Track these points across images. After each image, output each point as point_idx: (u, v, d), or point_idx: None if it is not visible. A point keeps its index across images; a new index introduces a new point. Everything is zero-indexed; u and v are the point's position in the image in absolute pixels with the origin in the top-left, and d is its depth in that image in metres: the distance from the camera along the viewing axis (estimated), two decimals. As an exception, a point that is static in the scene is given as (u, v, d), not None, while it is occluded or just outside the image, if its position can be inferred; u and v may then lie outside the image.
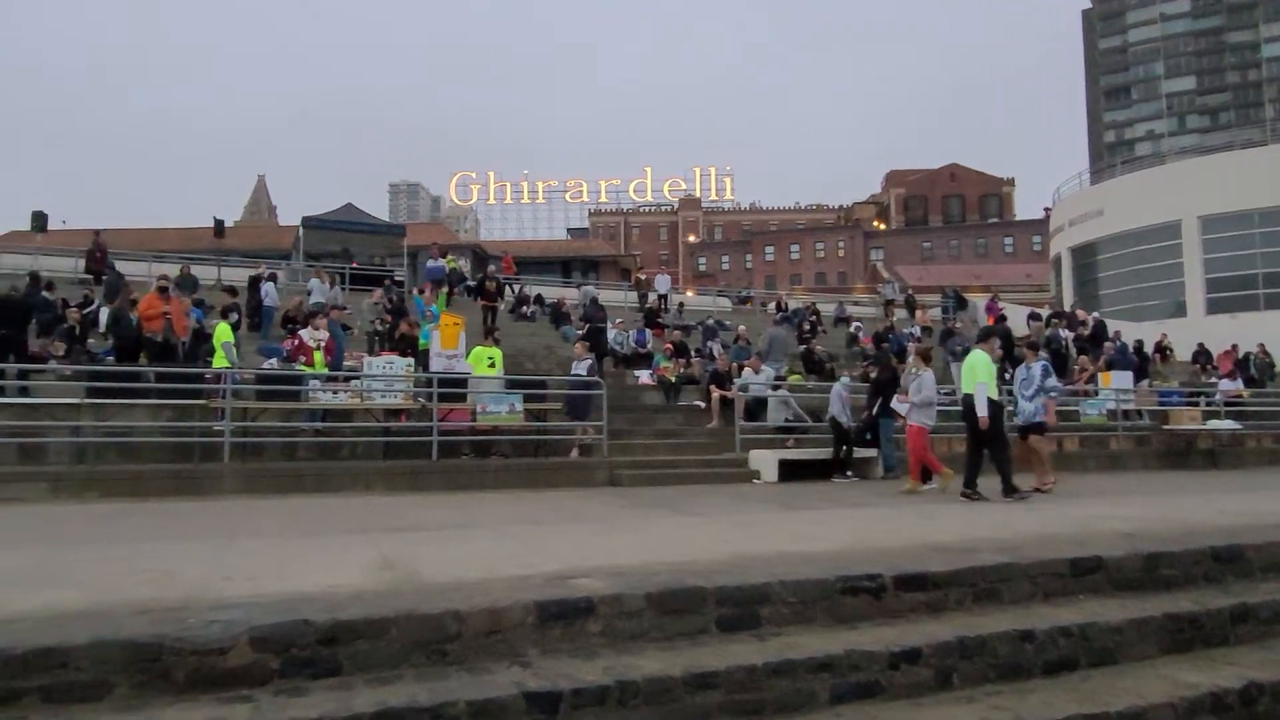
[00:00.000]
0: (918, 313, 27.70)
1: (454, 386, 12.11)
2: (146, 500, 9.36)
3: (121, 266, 21.97)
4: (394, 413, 12.11)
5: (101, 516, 7.95)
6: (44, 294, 15.28)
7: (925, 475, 10.87)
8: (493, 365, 12.77)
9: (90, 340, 14.25)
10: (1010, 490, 9.30)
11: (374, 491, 10.55)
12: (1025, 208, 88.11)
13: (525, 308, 24.40)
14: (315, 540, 6.28)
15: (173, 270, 21.34)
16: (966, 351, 17.72)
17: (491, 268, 19.85)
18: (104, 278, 18.51)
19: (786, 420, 13.71)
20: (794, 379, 15.82)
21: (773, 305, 30.20)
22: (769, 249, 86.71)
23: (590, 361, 13.96)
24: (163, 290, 12.70)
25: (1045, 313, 23.73)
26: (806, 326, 22.72)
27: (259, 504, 9.13)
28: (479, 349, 13.07)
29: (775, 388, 14.27)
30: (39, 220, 24.58)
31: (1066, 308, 27.81)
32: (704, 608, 4.05)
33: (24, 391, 11.57)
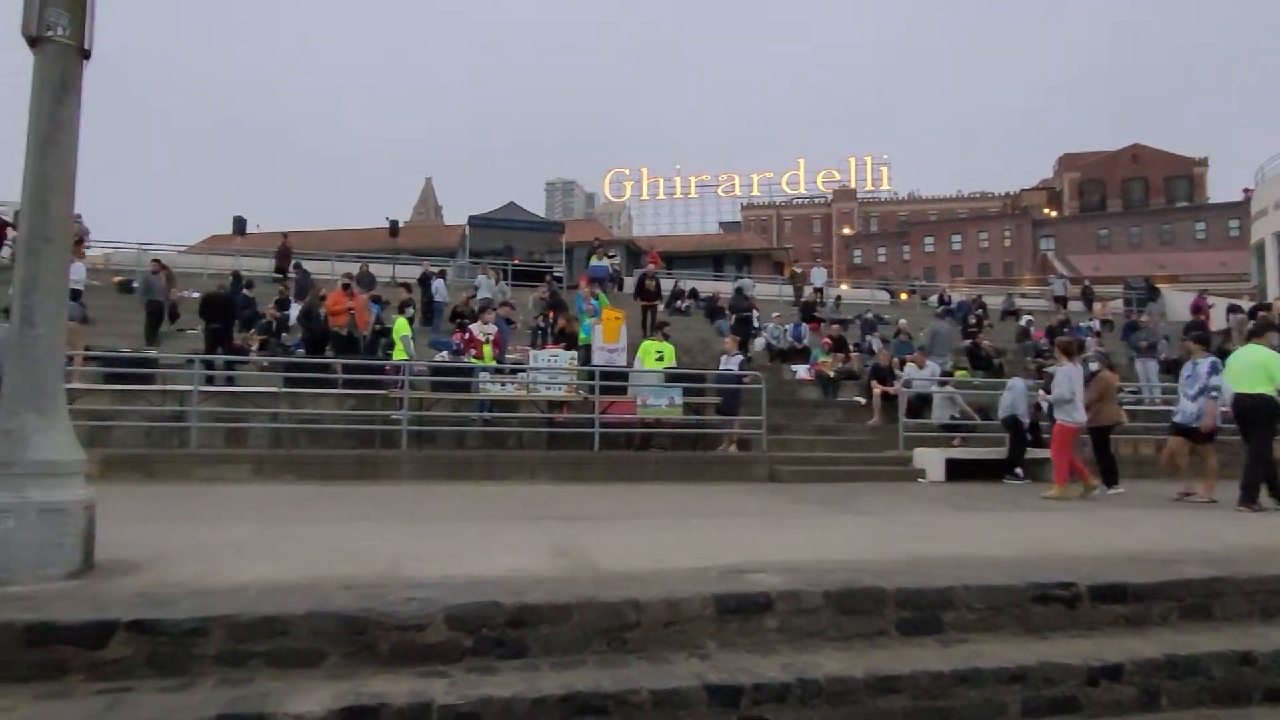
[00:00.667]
0: (1095, 305, 25.89)
1: (615, 380, 12.34)
2: (334, 483, 10.06)
3: (306, 265, 23.73)
4: (557, 404, 12.48)
5: (298, 496, 8.61)
6: (245, 292, 16.70)
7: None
8: (661, 359, 12.92)
9: (284, 334, 15.47)
10: (1249, 499, 8.40)
11: (539, 480, 10.90)
12: (1220, 190, 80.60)
13: (680, 302, 24.56)
14: (490, 526, 6.54)
15: (351, 269, 22.84)
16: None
17: (651, 267, 19.82)
18: (289, 276, 20.04)
19: (953, 418, 13.16)
20: (959, 375, 15.17)
21: (934, 298, 29.05)
22: (928, 240, 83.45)
23: (740, 357, 13.89)
24: (346, 288, 13.61)
25: (1247, 304, 21.64)
26: (972, 320, 21.70)
27: (433, 489, 9.63)
28: (648, 343, 13.25)
29: (940, 384, 13.72)
30: (238, 224, 26.93)
31: (1271, 298, 25.25)
32: (883, 609, 3.94)
33: (230, 381, 12.70)
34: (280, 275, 22.67)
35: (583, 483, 10.78)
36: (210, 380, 12.16)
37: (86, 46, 4.09)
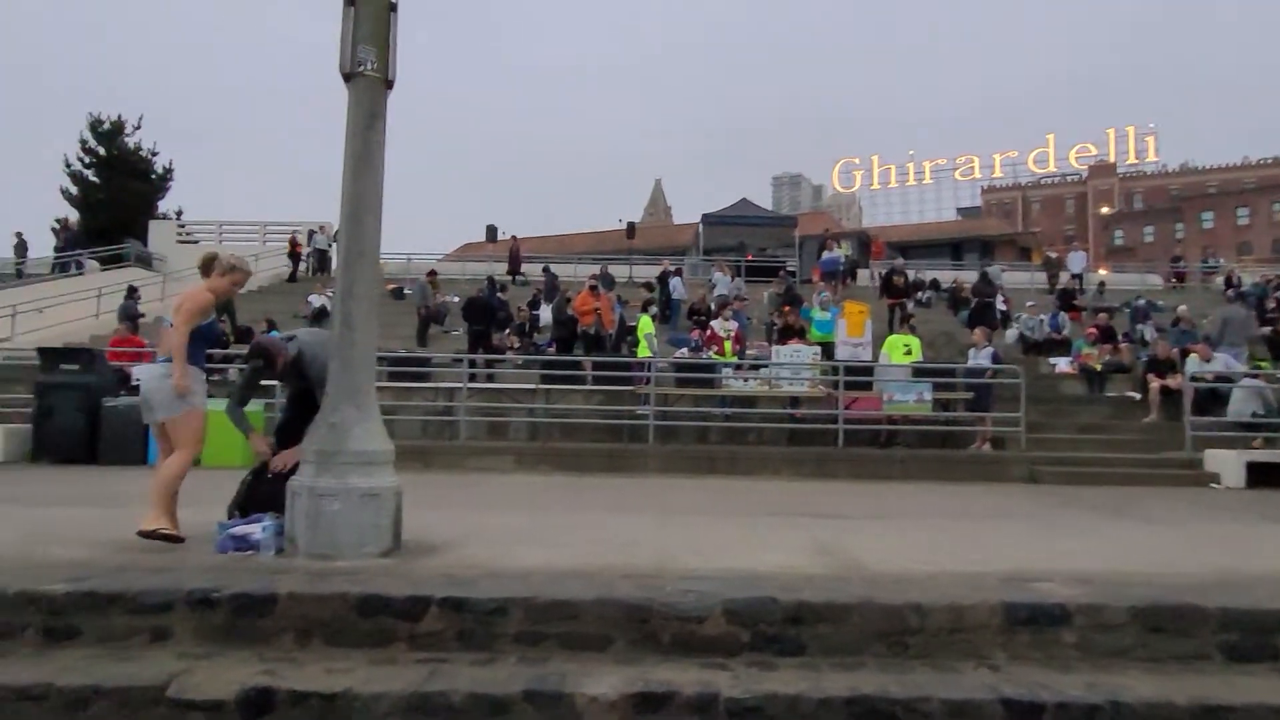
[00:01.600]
0: None
1: (860, 375, 12.02)
2: (586, 474, 10.56)
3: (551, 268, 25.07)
4: (797, 400, 12.34)
5: (557, 487, 9.11)
6: (499, 295, 17.95)
7: None
8: (909, 353, 12.44)
9: (536, 334, 16.46)
10: None
11: (781, 476, 10.83)
12: None
13: (920, 294, 23.47)
14: (744, 521, 6.57)
15: (589, 271, 23.86)
16: None
17: (900, 261, 18.90)
18: (517, 277, 21.23)
19: (1255, 415, 11.57)
20: (1260, 365, 13.34)
21: (1220, 280, 25.77)
22: (1206, 215, 74.26)
23: (991, 349, 13.01)
24: (593, 289, 14.24)
25: None
26: (1271, 304, 19.01)
27: (680, 483, 9.83)
28: (895, 337, 12.82)
29: (1238, 376, 12.12)
30: (490, 232, 29.03)
31: None
32: (1202, 630, 3.52)
33: (490, 378, 13.69)
34: (511, 277, 24.28)
35: (826, 480, 10.58)
36: (473, 378, 13.16)
37: (390, 78, 4.54)
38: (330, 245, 25.79)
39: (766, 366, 12.51)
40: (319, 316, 18.77)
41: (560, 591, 3.59)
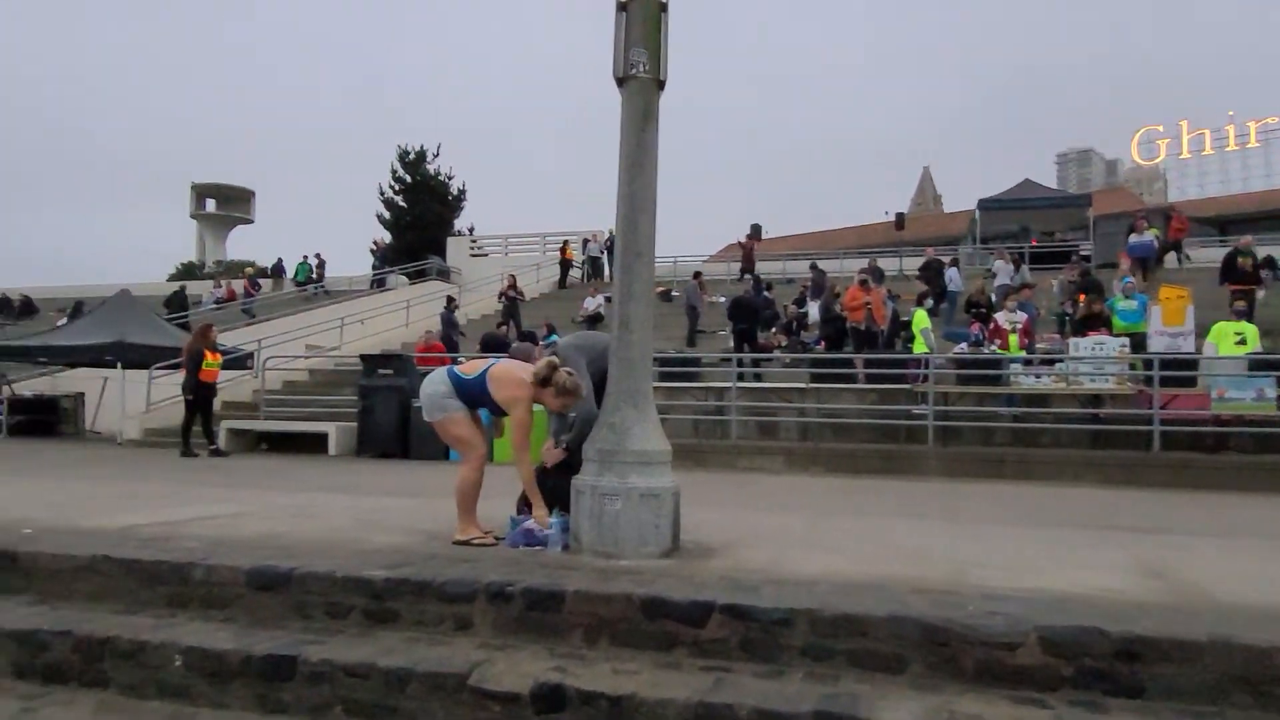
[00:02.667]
0: None
1: (1180, 369, 10.52)
2: (860, 476, 10.12)
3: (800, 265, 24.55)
4: (1099, 398, 11.04)
5: (831, 489, 8.80)
6: (765, 294, 17.82)
7: None
8: (1243, 342, 10.73)
9: (803, 332, 16.14)
10: None
11: (1083, 483, 9.73)
12: None
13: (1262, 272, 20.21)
14: (1046, 533, 5.91)
15: (853, 265, 23.07)
16: None
17: (1247, 238, 15.96)
18: (746, 277, 20.84)
19: None
20: None
21: None
22: None
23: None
24: (864, 283, 13.68)
25: None
26: None
27: (964, 488, 9.13)
28: (1223, 324, 11.09)
29: None
30: (755, 231, 29.02)
31: None
32: None
33: (757, 378, 13.59)
34: (742, 276, 23.99)
35: (1138, 488, 9.35)
36: (741, 377, 13.12)
37: (662, 78, 4.54)
38: (602, 252, 27.09)
39: (1063, 360, 11.31)
40: (594, 320, 19.74)
41: (849, 604, 3.36)
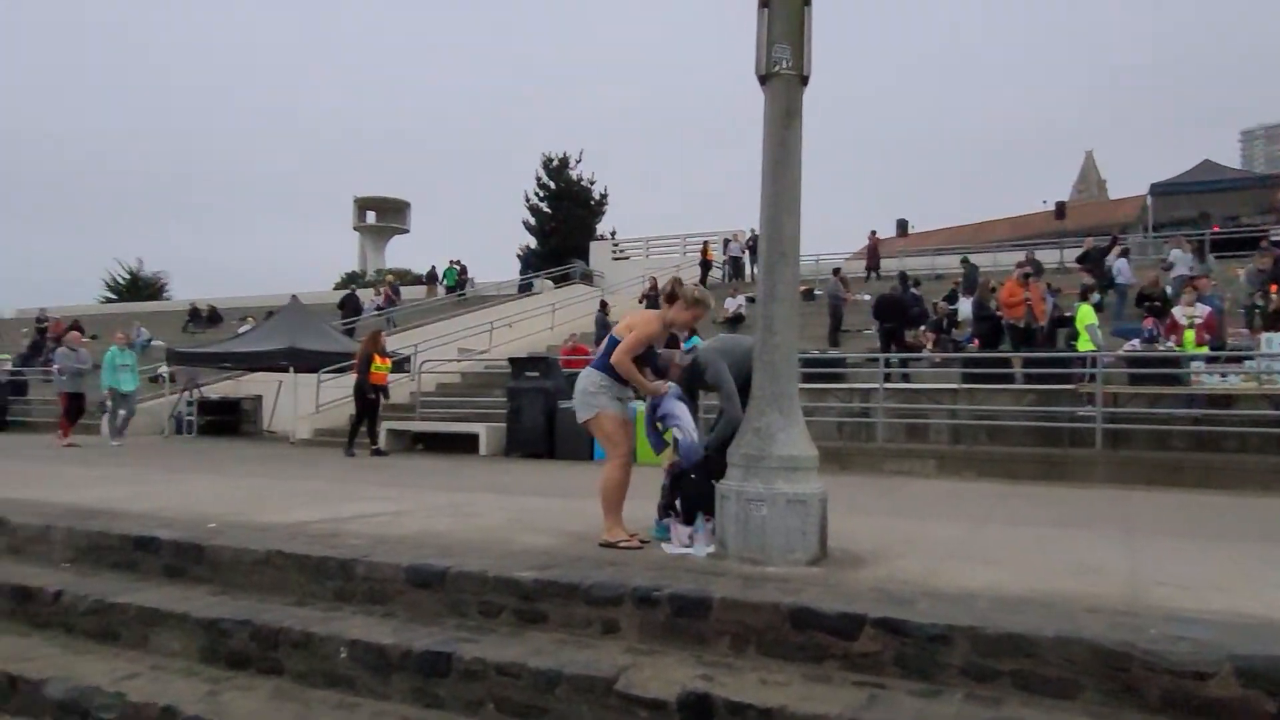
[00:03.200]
0: None
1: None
2: (1018, 482, 9.57)
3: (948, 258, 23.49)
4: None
5: (987, 495, 8.35)
6: (912, 291, 17.18)
7: None
8: None
9: (954, 330, 15.46)
10: None
11: (1273, 493, 8.83)
12: None
13: None
14: (1232, 547, 5.39)
15: (1005, 259, 21.90)
16: None
17: None
18: (872, 275, 19.99)
19: None
20: None
21: None
22: None
23: None
24: (1024, 277, 12.95)
25: None
26: None
27: (1136, 496, 8.47)
28: None
29: None
30: (901, 226, 28.09)
31: None
32: None
33: (905, 378, 13.11)
34: (868, 275, 23.21)
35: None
36: (888, 378, 12.69)
37: (806, 74, 4.43)
38: (743, 252, 26.90)
39: (1252, 358, 10.32)
40: (735, 321, 19.62)
41: (1012, 622, 3.15)
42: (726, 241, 27.99)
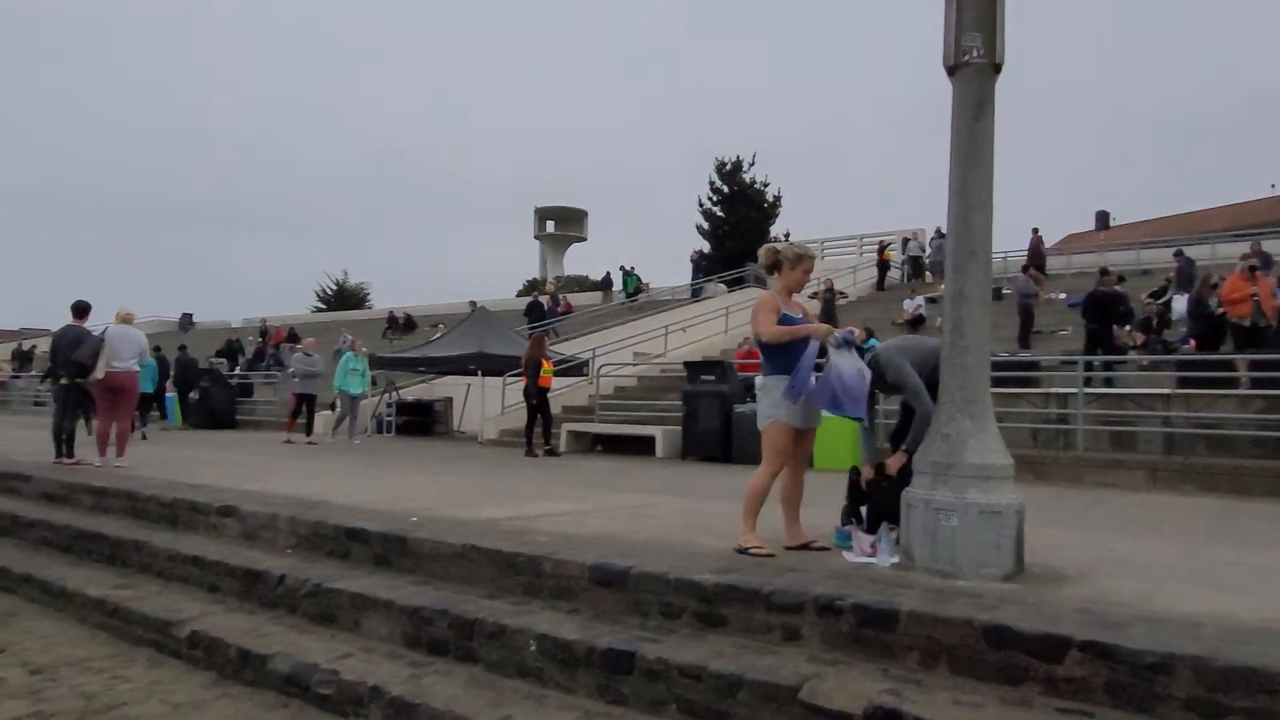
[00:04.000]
0: None
1: None
2: (1246, 499, 8.63)
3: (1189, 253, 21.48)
4: None
5: (1210, 512, 7.58)
6: (1115, 288, 15.89)
7: None
8: None
9: (1165, 329, 14.16)
10: None
11: None
12: None
13: None
14: None
15: (1226, 251, 19.83)
16: None
17: None
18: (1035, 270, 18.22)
19: None
20: None
21: None
22: None
23: None
24: (1250, 270, 11.68)
25: None
26: None
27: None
28: None
29: None
30: (1101, 219, 26.08)
31: None
32: None
33: (1107, 382, 12.13)
34: (1026, 273, 21.24)
35: None
36: (1089, 381, 11.80)
37: (998, 61, 4.20)
38: (923, 251, 25.86)
39: None
40: (915, 322, 18.88)
41: (1246, 654, 2.84)
42: (905, 240, 27.01)
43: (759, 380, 4.93)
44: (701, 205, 38.48)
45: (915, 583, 3.89)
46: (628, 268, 31.67)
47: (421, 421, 18.68)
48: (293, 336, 28.70)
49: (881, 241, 27.32)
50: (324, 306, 51.39)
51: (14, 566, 6.24)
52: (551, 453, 12.92)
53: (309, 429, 14.75)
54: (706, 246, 37.45)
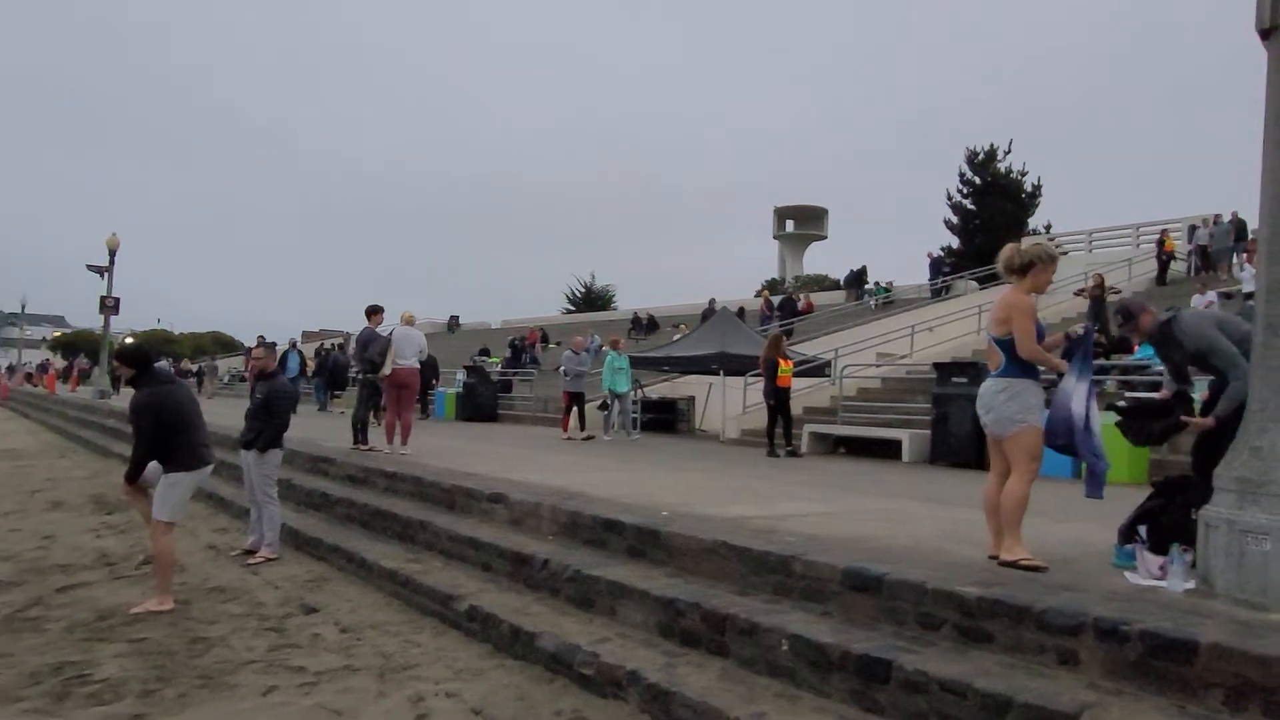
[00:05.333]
0: None
1: None
2: None
3: None
4: None
5: None
6: None
7: None
8: None
9: None
10: None
11: None
12: None
13: None
14: None
15: None
16: None
17: None
18: None
19: None
20: None
21: None
22: None
23: None
24: None
25: None
26: None
27: None
28: None
29: None
30: None
31: None
32: None
33: None
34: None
35: None
36: None
37: (1325, 20, 3.65)
38: (1210, 239, 22.95)
39: None
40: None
41: None
42: (1193, 229, 24.08)
43: (997, 383, 4.53)
44: (950, 199, 36.54)
45: (1215, 612, 3.48)
46: (882, 282, 30.84)
47: (665, 419, 19.22)
48: (545, 338, 30.61)
49: (1163, 231, 24.54)
50: (573, 308, 54.29)
51: (325, 538, 7.17)
52: (793, 454, 12.84)
53: (581, 425, 15.42)
54: (955, 242, 35.54)
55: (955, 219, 36.26)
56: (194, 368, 38.54)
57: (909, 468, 11.67)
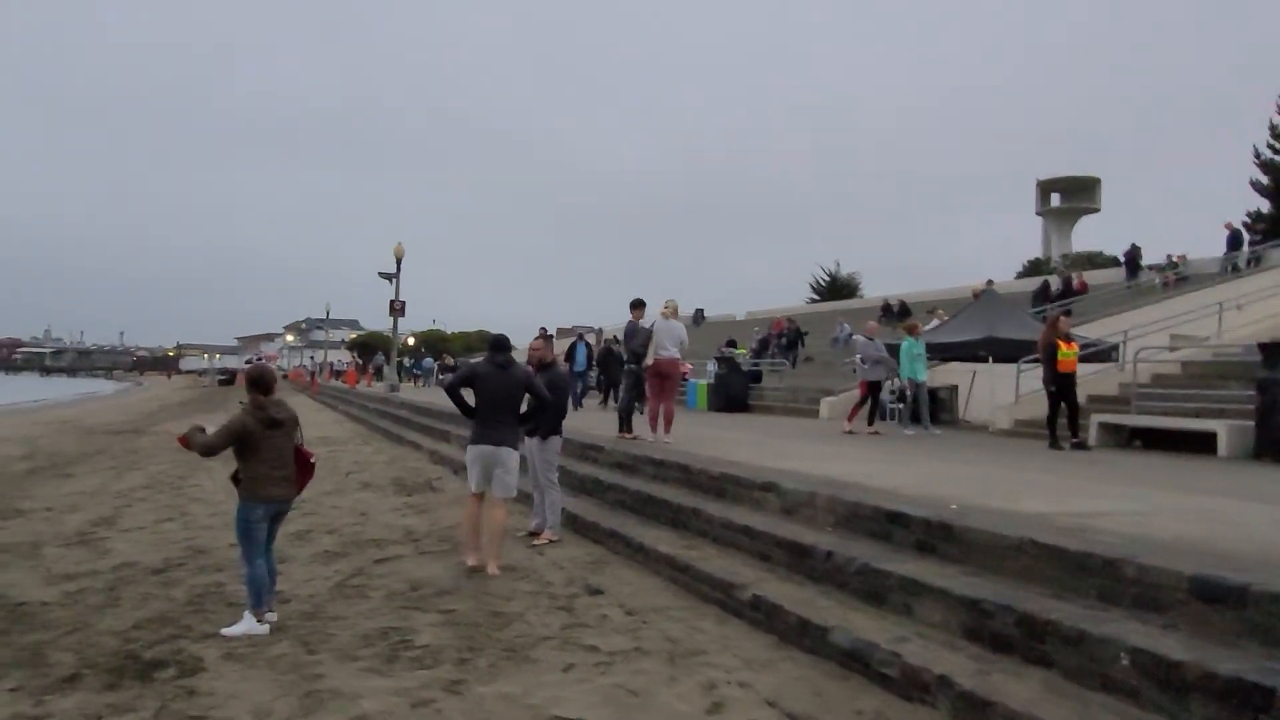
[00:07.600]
0: None
1: None
2: None
3: None
4: None
5: None
6: None
7: None
8: None
9: None
10: None
11: None
12: None
13: None
14: None
15: None
16: None
17: None
18: None
19: None
20: None
21: None
22: None
23: None
24: None
25: None
26: None
27: None
28: None
29: None
30: None
31: None
32: None
33: None
34: None
35: None
36: None
37: None
38: None
39: None
40: None
41: None
42: None
43: None
44: (1258, 156, 31.81)
45: None
46: (1173, 256, 27.36)
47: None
48: (799, 335, 30.17)
49: None
50: (817, 297, 53.24)
51: (601, 522, 7.43)
52: (1080, 446, 11.64)
53: (871, 418, 14.44)
54: (1264, 206, 30.89)
55: (1265, 179, 31.51)
56: (452, 362, 41.79)
57: (1226, 463, 10.23)
